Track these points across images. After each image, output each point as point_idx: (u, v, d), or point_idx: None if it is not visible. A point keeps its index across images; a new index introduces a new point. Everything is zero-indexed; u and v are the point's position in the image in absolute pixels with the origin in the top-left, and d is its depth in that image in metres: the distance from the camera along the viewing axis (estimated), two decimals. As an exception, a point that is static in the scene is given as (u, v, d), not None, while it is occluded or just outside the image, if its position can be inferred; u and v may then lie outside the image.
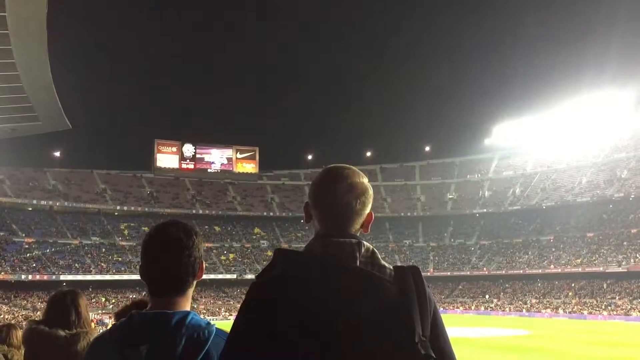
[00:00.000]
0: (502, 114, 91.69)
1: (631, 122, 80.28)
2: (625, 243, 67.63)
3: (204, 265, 1.85)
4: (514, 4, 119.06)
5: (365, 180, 1.65)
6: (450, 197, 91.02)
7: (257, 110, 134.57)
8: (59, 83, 43.62)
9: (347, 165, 1.67)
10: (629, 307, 58.44)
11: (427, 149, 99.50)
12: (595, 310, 60.29)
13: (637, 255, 64.14)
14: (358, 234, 1.61)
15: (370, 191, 1.64)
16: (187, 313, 1.71)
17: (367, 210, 1.63)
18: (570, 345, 35.36)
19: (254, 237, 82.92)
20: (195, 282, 1.82)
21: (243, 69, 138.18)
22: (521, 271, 72.79)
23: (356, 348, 1.36)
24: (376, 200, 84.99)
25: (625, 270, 63.06)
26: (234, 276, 72.91)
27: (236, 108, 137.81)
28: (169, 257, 1.74)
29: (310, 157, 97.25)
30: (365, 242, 1.55)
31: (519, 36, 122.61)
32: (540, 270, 71.02)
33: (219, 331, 1.72)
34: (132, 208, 78.10)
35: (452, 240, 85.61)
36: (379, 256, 1.54)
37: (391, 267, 1.51)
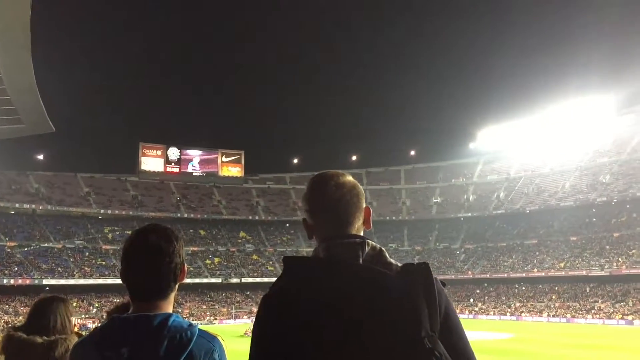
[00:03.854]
0: (487, 119, 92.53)
1: (613, 127, 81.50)
2: (607, 247, 68.36)
3: (186, 268, 1.85)
4: (499, 10, 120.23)
5: (350, 177, 1.67)
6: (435, 201, 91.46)
7: (243, 114, 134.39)
8: (42, 86, 43.26)
9: (329, 170, 1.69)
10: (612, 310, 59.05)
11: (413, 153, 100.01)
12: (578, 313, 60.83)
13: (620, 259, 64.86)
14: (362, 233, 1.62)
15: (360, 186, 1.66)
16: (169, 315, 1.72)
17: (363, 203, 1.64)
18: (554, 349, 35.66)
19: (239, 240, 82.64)
20: (177, 286, 1.82)
21: (229, 73, 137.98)
22: (505, 275, 73.27)
23: (364, 344, 1.37)
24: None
25: (608, 274, 63.73)
26: (219, 280, 72.58)
27: (222, 111, 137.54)
28: (149, 263, 1.75)
29: (295, 160, 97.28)
30: (370, 241, 1.56)
31: (505, 41, 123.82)
32: (524, 274, 71.54)
33: (202, 332, 1.72)
34: (117, 212, 77.49)
35: (437, 244, 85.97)
36: (386, 254, 1.56)
37: (399, 264, 1.53)
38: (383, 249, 1.57)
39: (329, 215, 1.59)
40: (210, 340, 1.72)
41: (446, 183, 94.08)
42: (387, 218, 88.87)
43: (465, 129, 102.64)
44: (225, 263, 76.74)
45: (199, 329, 1.73)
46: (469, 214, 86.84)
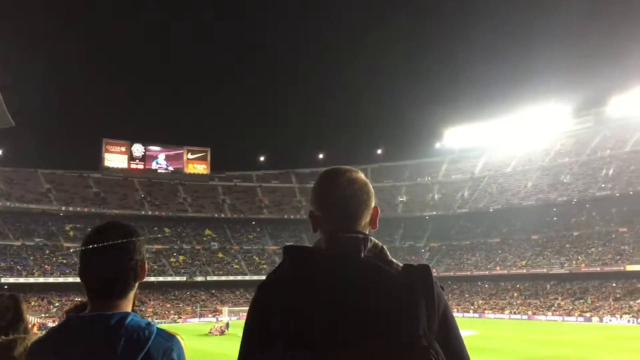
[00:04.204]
0: (453, 119, 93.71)
1: (574, 129, 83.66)
2: (567, 245, 70.05)
3: (147, 266, 1.81)
4: (466, 13, 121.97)
5: (362, 175, 1.66)
6: (401, 199, 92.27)
7: (210, 111, 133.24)
8: (1, 80, 42.08)
9: (342, 165, 1.68)
10: (571, 307, 60.54)
11: (379, 151, 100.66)
12: (539, 310, 62.20)
13: (579, 257, 66.54)
14: (367, 232, 1.61)
15: (370, 185, 1.65)
16: (127, 314, 1.68)
17: (372, 202, 1.63)
18: (515, 345, 36.41)
19: (205, 238, 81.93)
20: (137, 284, 1.78)
21: (195, 70, 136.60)
22: (469, 273, 74.44)
23: (361, 338, 1.37)
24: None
25: (568, 272, 65.32)
26: (184, 278, 71.85)
27: (188, 108, 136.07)
28: (108, 261, 1.70)
29: (262, 158, 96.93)
30: (373, 239, 1.55)
31: (471, 44, 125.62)
32: (487, 272, 72.81)
33: (160, 331, 1.68)
34: (78, 209, 75.90)
35: (403, 242, 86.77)
36: (388, 253, 1.55)
37: (400, 264, 1.52)
38: (385, 247, 1.56)
39: (338, 209, 1.57)
40: (168, 340, 1.68)
41: (412, 182, 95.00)
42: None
43: (431, 129, 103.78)
44: (190, 261, 75.98)
45: (158, 328, 1.69)
46: (434, 213, 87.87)
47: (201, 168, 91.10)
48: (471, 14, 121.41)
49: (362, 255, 1.49)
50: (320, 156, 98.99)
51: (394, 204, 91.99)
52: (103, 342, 1.60)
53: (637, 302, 56.59)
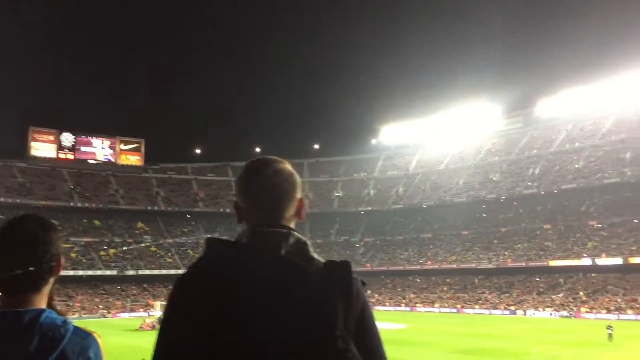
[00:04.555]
0: (389, 116, 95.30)
1: (504, 129, 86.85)
2: (495, 241, 72.66)
3: (63, 261, 1.75)
4: (403, 13, 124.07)
5: (289, 166, 1.63)
6: (337, 194, 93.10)
7: (145, 101, 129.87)
8: None
9: (268, 156, 1.65)
10: (497, 301, 62.89)
11: (316, 146, 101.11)
12: (467, 304, 64.28)
13: (505, 253, 69.17)
14: (292, 225, 1.58)
15: (297, 177, 1.63)
16: (42, 311, 1.62)
17: (297, 194, 1.60)
18: (442, 337, 37.48)
19: (137, 231, 79.95)
20: (52, 279, 1.71)
21: (132, 59, 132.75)
22: (402, 267, 76.01)
23: (276, 339, 1.33)
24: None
25: (495, 266, 67.79)
26: (114, 272, 69.91)
27: (122, 97, 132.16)
28: (22, 253, 1.63)
29: (198, 151, 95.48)
30: (297, 234, 1.52)
31: (408, 44, 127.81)
32: (419, 267, 74.59)
33: (77, 329, 1.63)
34: (2, 199, 72.35)
35: (338, 237, 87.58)
36: (310, 249, 1.51)
37: (321, 260, 1.48)
38: (308, 242, 1.52)
39: (261, 201, 1.54)
40: (84, 338, 1.62)
41: (348, 177, 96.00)
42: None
43: (368, 125, 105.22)
44: (121, 255, 73.97)
45: (74, 326, 1.63)
46: (369, 208, 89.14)
47: (134, 159, 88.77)
48: (406, 13, 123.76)
49: (283, 251, 1.45)
50: (258, 150, 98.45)
51: (329, 199, 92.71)
52: (14, 340, 1.54)
53: (558, 296, 59.41)
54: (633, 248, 58.95)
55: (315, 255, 1.48)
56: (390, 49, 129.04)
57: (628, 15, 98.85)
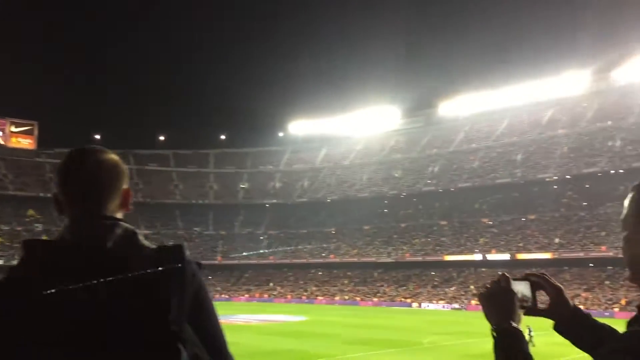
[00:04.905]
0: (298, 111, 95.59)
1: (407, 128, 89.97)
2: (395, 236, 74.99)
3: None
4: (314, 15, 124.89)
5: (113, 155, 1.54)
6: (243, 186, 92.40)
7: (41, 80, 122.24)
8: None
9: (91, 145, 1.55)
10: (395, 294, 65.00)
11: (223, 137, 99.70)
12: (367, 297, 65.95)
13: (404, 248, 71.57)
14: (119, 215, 1.51)
15: (123, 166, 1.54)
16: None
17: (123, 184, 1.53)
18: (341, 329, 38.19)
19: (28, 219, 75.35)
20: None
21: (25, 31, 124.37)
22: (304, 260, 76.71)
23: (106, 329, 1.30)
24: (167, 186, 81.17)
25: (394, 260, 69.97)
26: (1, 262, 65.54)
27: (14, 74, 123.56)
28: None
29: (98, 136, 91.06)
30: (124, 224, 1.47)
31: (320, 42, 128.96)
32: (321, 260, 75.60)
33: None
34: None
35: (242, 229, 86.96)
36: (140, 237, 1.46)
37: (153, 247, 1.45)
38: (137, 231, 1.46)
39: (83, 192, 1.47)
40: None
41: (254, 169, 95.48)
42: (194, 201, 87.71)
43: (276, 118, 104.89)
44: (9, 243, 69.42)
45: None
46: (275, 201, 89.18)
47: (26, 143, 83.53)
48: (319, 15, 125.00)
49: (110, 243, 1.40)
50: (162, 138, 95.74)
51: (235, 191, 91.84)
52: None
53: (451, 289, 62.28)
54: (520, 245, 62.92)
55: (146, 243, 1.46)
56: (302, 48, 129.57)
57: (524, 27, 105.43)
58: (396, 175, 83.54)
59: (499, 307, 1.54)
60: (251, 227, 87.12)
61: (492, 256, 62.94)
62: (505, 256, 61.83)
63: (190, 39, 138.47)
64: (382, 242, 74.75)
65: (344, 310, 56.11)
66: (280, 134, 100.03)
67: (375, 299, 64.75)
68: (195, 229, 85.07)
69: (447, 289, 62.67)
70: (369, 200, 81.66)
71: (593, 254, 56.02)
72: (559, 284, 1.71)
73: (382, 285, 68.00)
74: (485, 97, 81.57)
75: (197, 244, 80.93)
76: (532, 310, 1.64)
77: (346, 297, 66.83)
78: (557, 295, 1.68)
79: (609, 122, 69.12)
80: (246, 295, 72.08)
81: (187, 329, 1.37)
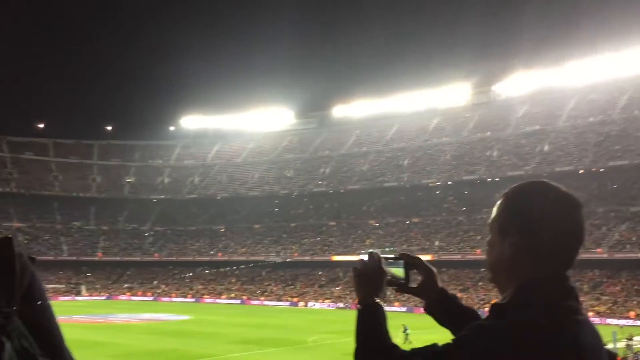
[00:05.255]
0: (191, 105, 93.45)
1: (300, 129, 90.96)
2: (284, 235, 75.30)
3: None
4: (215, 12, 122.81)
5: None
6: (129, 180, 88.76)
7: None
8: None
9: None
10: (282, 293, 65.24)
11: (109, 128, 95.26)
12: (254, 295, 65.66)
13: (293, 247, 72.05)
14: None
15: None
16: None
17: None
18: (225, 328, 37.71)
19: None
20: None
21: None
22: (192, 258, 75.06)
23: None
24: (46, 177, 76.19)
25: (282, 260, 70.19)
26: None
27: None
28: None
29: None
30: None
31: (219, 41, 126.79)
32: (209, 258, 74.33)
33: None
34: None
35: (126, 224, 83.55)
36: None
37: None
38: None
39: None
40: None
41: (142, 163, 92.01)
42: (74, 194, 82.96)
43: (167, 112, 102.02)
44: None
45: None
46: (163, 196, 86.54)
47: None
48: (215, 13, 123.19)
49: None
50: (41, 125, 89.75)
51: (120, 184, 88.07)
52: None
53: (337, 288, 63.48)
54: (404, 246, 65.27)
55: None
56: (198, 45, 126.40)
57: (413, 39, 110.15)
58: (288, 175, 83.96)
59: (367, 283, 1.65)
60: (136, 222, 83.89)
61: (377, 257, 64.79)
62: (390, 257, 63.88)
63: (83, 25, 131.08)
64: (271, 241, 74.77)
65: (230, 309, 55.51)
66: (172, 128, 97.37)
67: (262, 298, 64.61)
68: (75, 223, 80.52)
69: (333, 289, 63.79)
70: (260, 199, 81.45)
71: (469, 257, 59.28)
72: (432, 267, 1.80)
73: (269, 284, 67.99)
74: (376, 103, 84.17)
75: (76, 239, 76.71)
76: (403, 287, 1.76)
77: (233, 296, 66.14)
78: (428, 275, 1.79)
79: (488, 133, 73.72)
80: (128, 294, 69.26)
81: (15, 322, 1.32)
